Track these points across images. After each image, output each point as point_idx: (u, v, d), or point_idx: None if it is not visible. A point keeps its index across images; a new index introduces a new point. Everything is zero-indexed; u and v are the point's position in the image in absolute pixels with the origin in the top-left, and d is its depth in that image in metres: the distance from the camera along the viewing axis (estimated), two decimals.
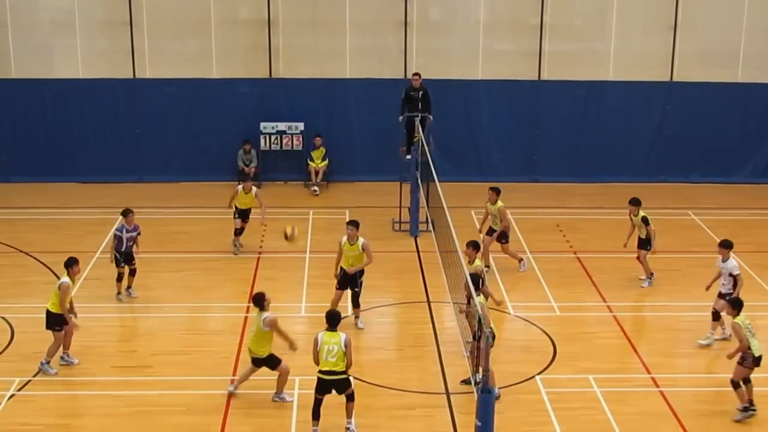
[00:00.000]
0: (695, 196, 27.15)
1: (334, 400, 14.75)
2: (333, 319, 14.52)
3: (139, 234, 19.71)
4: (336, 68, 27.76)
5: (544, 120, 28.11)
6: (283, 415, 15.22)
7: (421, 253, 22.22)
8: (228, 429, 14.86)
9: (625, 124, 28.16)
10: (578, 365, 17.01)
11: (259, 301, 15.41)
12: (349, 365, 14.45)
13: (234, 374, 16.52)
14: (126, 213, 19.70)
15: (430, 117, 24.60)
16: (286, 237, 19.15)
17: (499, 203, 20.84)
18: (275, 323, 15.26)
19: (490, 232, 21.09)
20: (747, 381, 15.31)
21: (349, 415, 14.72)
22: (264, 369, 15.58)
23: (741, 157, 28.36)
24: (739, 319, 15.38)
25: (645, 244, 20.64)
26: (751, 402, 15.26)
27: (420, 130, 23.18)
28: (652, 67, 28.00)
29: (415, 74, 25.44)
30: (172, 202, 25.69)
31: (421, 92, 25.01)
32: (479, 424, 12.37)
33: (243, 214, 22.26)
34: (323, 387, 14.48)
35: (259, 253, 22.29)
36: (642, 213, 20.62)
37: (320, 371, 14.39)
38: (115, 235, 19.69)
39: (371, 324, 18.71)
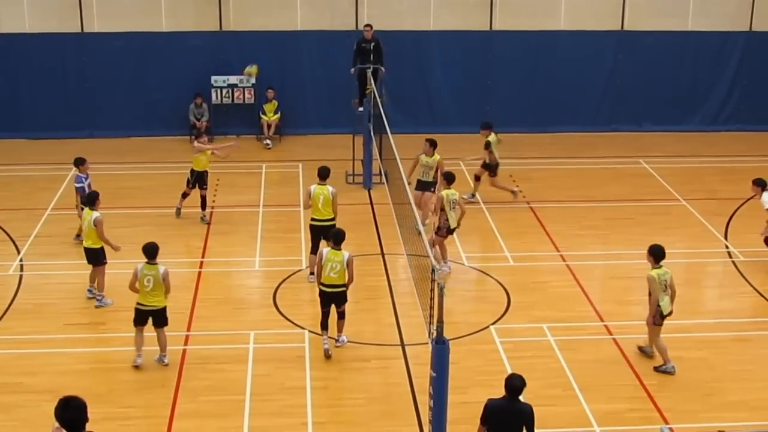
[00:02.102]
0: (647, 144, 27.34)
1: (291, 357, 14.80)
2: (337, 238, 15.51)
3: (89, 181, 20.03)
4: (287, 20, 27.51)
5: (497, 70, 28.08)
6: (239, 368, 15.23)
7: (374, 206, 22.22)
8: (183, 383, 14.85)
9: (577, 74, 28.22)
10: (532, 314, 17.15)
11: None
12: (350, 280, 15.55)
13: (189, 329, 16.49)
14: (82, 161, 19.69)
15: (383, 69, 24.52)
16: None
17: (437, 156, 20.38)
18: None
19: (422, 186, 20.51)
20: None
21: (339, 331, 15.88)
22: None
23: (692, 105, 28.57)
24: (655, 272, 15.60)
25: (488, 167, 22.21)
26: None
27: (372, 82, 23.07)
28: (604, 16, 28.03)
29: (367, 26, 25.29)
30: (123, 158, 25.44)
31: (373, 44, 24.89)
32: (434, 374, 12.42)
33: (200, 179, 21.16)
34: (325, 299, 15.65)
35: (212, 207, 22.17)
36: (489, 138, 21.91)
37: (322, 284, 15.56)
38: (78, 189, 19.51)
39: None
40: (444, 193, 18.24)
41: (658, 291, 14.97)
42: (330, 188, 18.08)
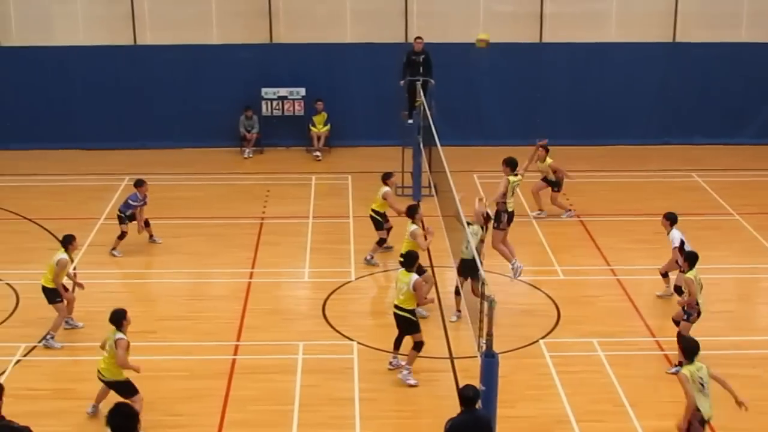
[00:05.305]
0: (699, 157, 27.03)
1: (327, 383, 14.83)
2: (408, 260, 15.33)
3: (145, 204, 20.47)
4: (336, 32, 27.61)
5: (546, 82, 27.97)
6: (288, 379, 15.28)
7: (423, 218, 22.15)
8: (233, 393, 14.92)
9: (628, 86, 28.00)
10: (582, 329, 17.02)
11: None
12: (419, 303, 15.33)
13: (238, 339, 16.57)
14: (140, 183, 20.47)
15: (432, 81, 24.53)
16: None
17: (549, 160, 22.07)
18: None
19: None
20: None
21: (408, 363, 15.23)
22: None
23: (745, 117, 28.19)
24: (691, 274, 15.57)
25: (554, 185, 22.44)
26: None
27: (422, 94, 23.09)
28: (655, 27, 27.82)
29: (418, 38, 25.33)
30: (173, 168, 25.63)
31: (422, 56, 24.93)
32: (483, 388, 12.38)
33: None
34: (395, 320, 15.41)
35: (262, 218, 22.28)
36: (549, 160, 22.07)
37: (393, 305, 15.38)
38: (127, 198, 20.51)
39: (374, 288, 18.73)
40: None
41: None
42: (411, 227, 17.68)
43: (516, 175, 18.44)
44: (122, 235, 20.24)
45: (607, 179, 25.16)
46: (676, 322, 16.01)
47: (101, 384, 14.21)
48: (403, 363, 15.44)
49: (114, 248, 20.23)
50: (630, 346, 16.45)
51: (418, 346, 15.20)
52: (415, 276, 15.16)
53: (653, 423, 14.15)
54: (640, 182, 24.76)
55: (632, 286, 18.87)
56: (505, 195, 18.34)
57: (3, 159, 26.48)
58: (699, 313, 15.67)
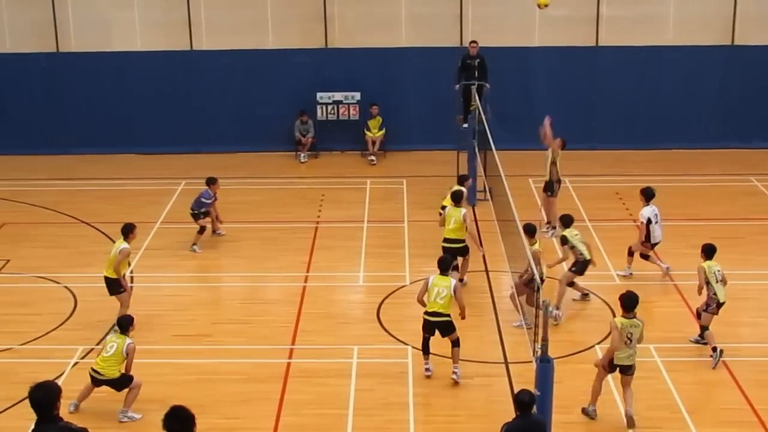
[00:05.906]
0: (757, 161, 26.66)
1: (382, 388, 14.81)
2: (444, 264, 15.32)
3: (216, 199, 20.98)
4: (391, 37, 27.65)
5: (602, 86, 27.76)
6: (342, 383, 15.30)
7: (479, 222, 22.12)
8: (287, 397, 14.97)
9: (685, 90, 27.71)
10: None
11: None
12: (462, 308, 15.24)
13: (293, 343, 16.63)
14: (214, 181, 20.98)
15: (487, 85, 24.47)
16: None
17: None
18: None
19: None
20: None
21: (454, 361, 15.21)
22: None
23: None
24: (704, 264, 15.98)
25: (547, 188, 21.46)
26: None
27: (477, 98, 23.03)
28: (713, 30, 27.50)
29: (473, 42, 25.29)
30: (229, 173, 25.75)
31: (477, 60, 24.88)
32: (538, 393, 12.33)
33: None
34: (428, 328, 15.22)
35: (317, 222, 22.36)
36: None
37: (426, 312, 15.16)
38: (200, 196, 20.86)
39: None
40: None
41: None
42: (462, 210, 17.93)
43: (535, 242, 16.92)
44: (202, 230, 20.67)
45: (665, 183, 24.84)
46: (698, 314, 16.36)
47: (87, 383, 14.46)
48: (433, 366, 15.43)
49: (194, 243, 20.63)
50: (687, 352, 16.25)
51: (457, 342, 15.25)
52: (453, 280, 15.23)
53: (710, 430, 13.98)
54: (698, 186, 24.49)
55: (689, 291, 18.56)
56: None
57: (61, 163, 26.88)
58: (718, 304, 15.91)
